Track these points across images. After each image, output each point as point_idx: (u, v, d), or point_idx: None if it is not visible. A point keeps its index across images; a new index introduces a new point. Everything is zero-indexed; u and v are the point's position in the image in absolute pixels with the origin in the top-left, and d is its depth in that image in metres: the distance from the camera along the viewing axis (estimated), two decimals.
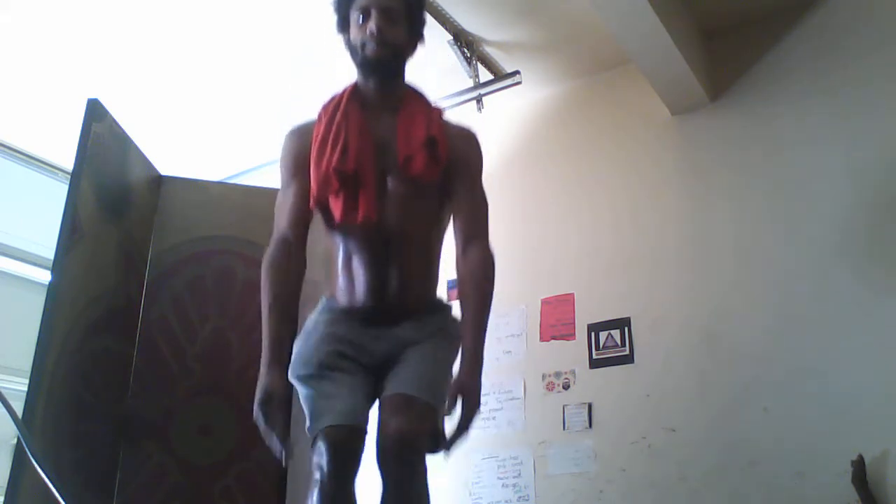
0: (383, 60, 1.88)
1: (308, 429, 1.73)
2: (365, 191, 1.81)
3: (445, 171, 1.88)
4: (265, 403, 1.68)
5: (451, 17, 3.47)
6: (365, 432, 1.72)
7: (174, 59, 3.77)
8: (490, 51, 3.72)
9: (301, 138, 1.92)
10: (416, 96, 1.97)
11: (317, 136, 1.88)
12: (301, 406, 1.81)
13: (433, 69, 3.42)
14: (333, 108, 1.91)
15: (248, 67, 3.82)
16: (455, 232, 1.91)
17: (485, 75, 3.72)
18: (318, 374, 1.77)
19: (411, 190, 1.85)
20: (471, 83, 3.66)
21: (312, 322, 1.90)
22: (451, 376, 1.82)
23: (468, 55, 3.60)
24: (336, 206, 1.82)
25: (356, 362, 1.81)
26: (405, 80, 1.98)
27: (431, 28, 3.36)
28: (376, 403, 1.81)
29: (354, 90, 1.94)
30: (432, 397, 1.75)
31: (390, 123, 1.89)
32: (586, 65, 3.83)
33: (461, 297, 1.84)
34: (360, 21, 1.89)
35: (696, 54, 3.41)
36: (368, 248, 1.85)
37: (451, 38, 3.51)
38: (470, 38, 3.60)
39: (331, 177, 1.81)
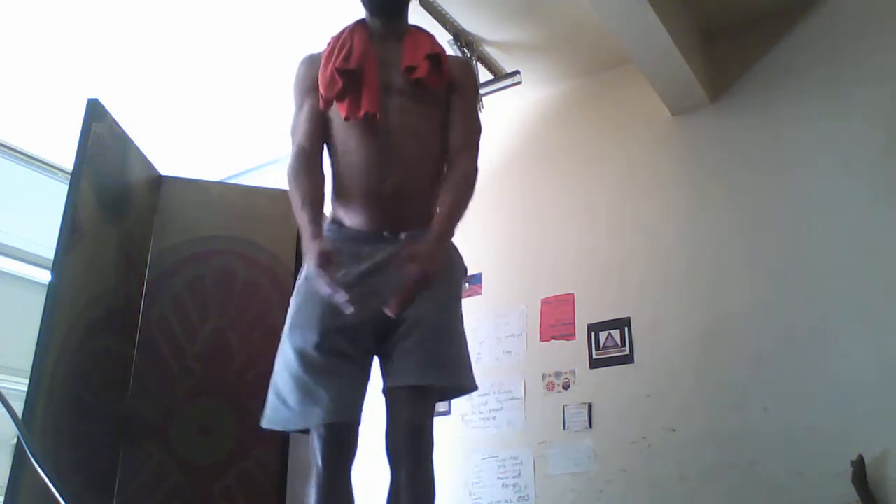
0: (389, 1, 2.00)
1: (293, 412, 1.76)
2: (368, 88, 1.89)
3: (445, 88, 1.98)
4: (325, 266, 1.68)
5: (451, 17, 3.47)
6: (358, 424, 1.79)
7: (174, 60, 3.77)
8: (490, 51, 3.72)
9: (312, 63, 2.02)
10: (420, 29, 2.07)
11: (325, 54, 1.99)
12: (278, 377, 1.82)
13: None
14: (340, 33, 2.01)
15: (248, 68, 3.82)
16: (449, 138, 1.97)
17: (485, 75, 3.72)
18: (314, 357, 1.77)
19: (415, 94, 1.93)
20: None
21: (312, 273, 1.86)
22: (464, 337, 1.88)
23: (468, 55, 3.60)
24: (342, 106, 1.90)
25: (355, 342, 1.81)
26: (407, 21, 2.08)
27: (431, 28, 3.37)
28: (379, 391, 1.82)
29: (362, 23, 2.03)
30: (448, 380, 1.82)
31: (395, 48, 1.98)
32: (586, 65, 3.83)
33: (442, 196, 1.89)
34: None
35: (696, 54, 3.41)
36: (369, 147, 1.89)
37: (451, 38, 3.51)
38: (470, 38, 3.60)
39: (335, 76, 1.90)
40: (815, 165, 3.18)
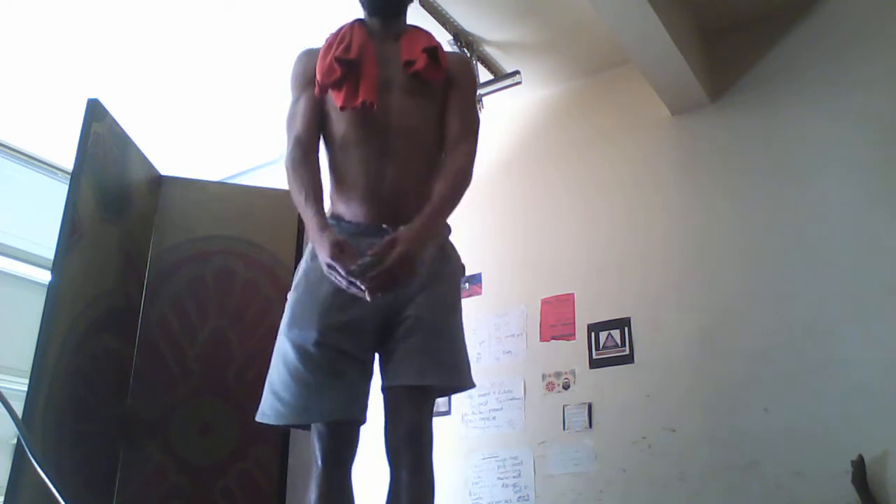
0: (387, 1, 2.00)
1: (290, 407, 1.75)
2: (366, 78, 1.89)
3: (443, 84, 1.97)
4: (338, 256, 1.66)
5: (451, 17, 3.47)
6: (361, 422, 1.78)
7: (174, 60, 3.77)
8: (490, 51, 3.72)
9: (310, 57, 2.01)
10: (418, 28, 2.07)
11: (323, 48, 1.99)
12: (275, 372, 1.81)
13: None
14: (339, 30, 2.01)
15: (247, 68, 3.82)
16: (447, 129, 1.96)
17: (485, 75, 3.73)
18: (314, 353, 1.76)
19: (414, 90, 1.92)
20: None
21: (311, 269, 1.87)
22: (463, 336, 1.88)
23: (468, 55, 3.60)
24: (338, 96, 1.89)
25: (356, 340, 1.79)
26: (406, 21, 2.08)
27: (431, 28, 3.38)
28: (378, 387, 1.82)
29: (360, 21, 2.04)
30: (449, 378, 1.81)
31: (393, 46, 1.98)
32: (586, 65, 3.83)
33: (436, 186, 1.87)
34: None
35: (696, 54, 3.40)
36: (367, 140, 1.88)
37: (451, 38, 3.52)
38: (470, 38, 3.60)
39: (334, 65, 1.89)
40: (815, 165, 3.18)
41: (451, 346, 1.84)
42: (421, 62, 1.93)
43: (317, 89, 1.93)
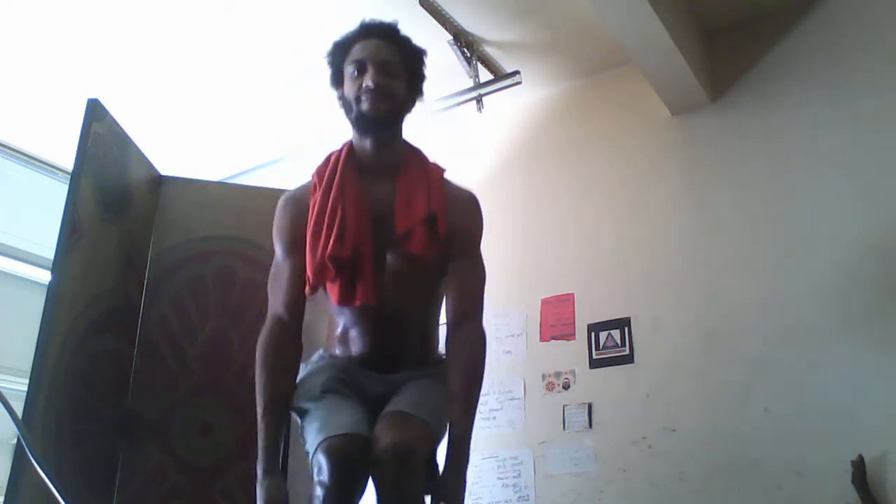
0: (379, 116, 1.79)
1: (309, 448, 1.68)
2: (362, 276, 1.76)
3: (445, 242, 1.82)
4: None
5: (451, 17, 3.47)
6: (367, 441, 1.62)
7: (174, 60, 3.77)
8: (490, 51, 3.72)
9: (296, 208, 1.86)
10: (416, 158, 1.90)
11: (312, 209, 1.82)
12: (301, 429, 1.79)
13: (433, 69, 3.39)
14: (329, 175, 1.83)
15: (247, 68, 3.82)
16: (448, 304, 1.84)
17: (485, 75, 3.72)
18: (321, 397, 1.74)
19: (410, 266, 1.80)
20: (471, 83, 3.65)
21: (313, 365, 1.89)
22: (444, 403, 1.79)
23: (468, 55, 3.60)
24: (333, 291, 1.78)
25: (355, 389, 1.80)
26: (403, 140, 1.91)
27: (431, 28, 3.38)
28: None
29: (350, 152, 1.86)
30: (429, 418, 1.69)
31: (389, 191, 1.82)
32: (586, 65, 3.83)
33: (451, 378, 1.76)
34: (355, 75, 1.81)
35: (696, 54, 3.40)
36: (367, 325, 1.83)
37: (451, 38, 3.51)
38: (470, 38, 3.60)
39: (326, 265, 1.75)
40: (815, 165, 3.18)
41: (431, 396, 1.78)
42: (418, 243, 1.77)
43: (308, 289, 1.79)
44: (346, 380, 1.80)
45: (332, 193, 1.80)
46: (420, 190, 1.82)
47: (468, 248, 1.87)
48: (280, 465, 1.74)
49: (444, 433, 1.75)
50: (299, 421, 1.79)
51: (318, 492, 1.57)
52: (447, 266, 1.84)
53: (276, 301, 1.81)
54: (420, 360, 1.88)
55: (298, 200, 1.87)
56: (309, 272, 1.78)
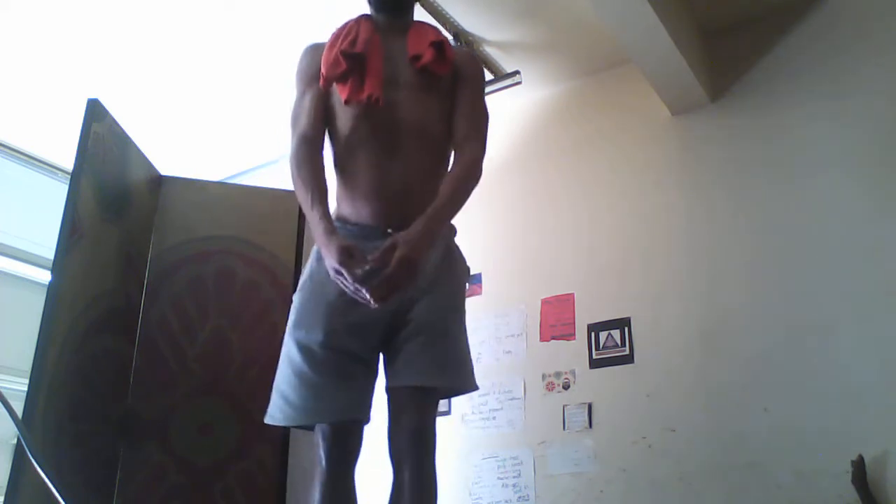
0: None
1: (297, 409, 1.74)
2: (371, 73, 1.86)
3: (451, 79, 1.95)
4: (346, 262, 1.63)
5: (451, 17, 3.47)
6: (365, 422, 1.77)
7: (174, 60, 3.77)
8: (490, 51, 3.72)
9: (315, 52, 1.98)
10: (424, 23, 2.06)
11: (329, 42, 1.96)
12: (282, 375, 1.80)
13: None
14: (345, 24, 1.98)
15: (247, 68, 3.82)
16: (453, 127, 1.93)
17: (485, 75, 3.72)
18: (320, 355, 1.75)
19: (421, 86, 1.90)
20: None
21: (316, 270, 1.85)
22: (466, 339, 1.87)
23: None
24: (343, 89, 1.87)
25: (362, 340, 1.79)
26: (413, 16, 2.06)
27: None
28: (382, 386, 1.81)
29: (367, 16, 2.02)
30: (452, 382, 1.81)
31: (400, 41, 1.96)
32: (586, 65, 3.83)
33: (442, 185, 1.82)
34: None
35: (696, 54, 3.41)
36: (373, 137, 1.85)
37: (451, 38, 3.51)
38: (470, 38, 3.60)
39: (339, 58, 1.87)
40: (816, 165, 3.18)
41: (455, 348, 1.83)
42: (428, 56, 1.90)
43: (322, 82, 1.90)
44: (353, 324, 1.77)
45: (347, 26, 1.96)
46: (428, 31, 2.00)
47: (473, 88, 1.99)
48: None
49: (471, 383, 1.86)
50: (293, 353, 1.79)
51: (321, 461, 1.73)
52: (454, 99, 1.95)
53: (298, 125, 1.90)
54: (432, 200, 1.84)
55: (318, 47, 1.99)
56: (323, 66, 1.89)
